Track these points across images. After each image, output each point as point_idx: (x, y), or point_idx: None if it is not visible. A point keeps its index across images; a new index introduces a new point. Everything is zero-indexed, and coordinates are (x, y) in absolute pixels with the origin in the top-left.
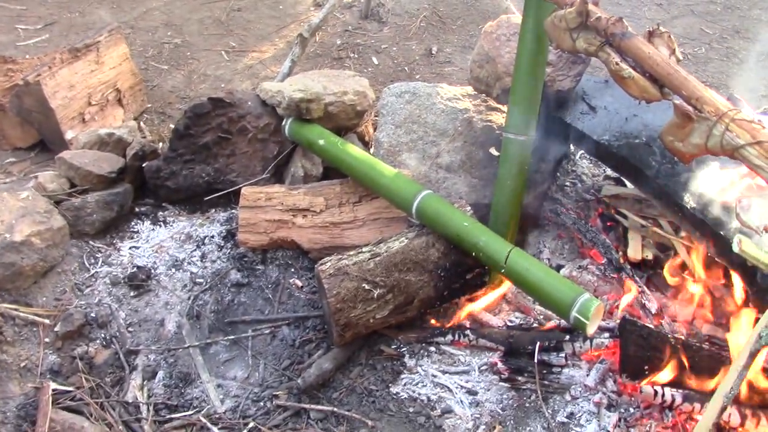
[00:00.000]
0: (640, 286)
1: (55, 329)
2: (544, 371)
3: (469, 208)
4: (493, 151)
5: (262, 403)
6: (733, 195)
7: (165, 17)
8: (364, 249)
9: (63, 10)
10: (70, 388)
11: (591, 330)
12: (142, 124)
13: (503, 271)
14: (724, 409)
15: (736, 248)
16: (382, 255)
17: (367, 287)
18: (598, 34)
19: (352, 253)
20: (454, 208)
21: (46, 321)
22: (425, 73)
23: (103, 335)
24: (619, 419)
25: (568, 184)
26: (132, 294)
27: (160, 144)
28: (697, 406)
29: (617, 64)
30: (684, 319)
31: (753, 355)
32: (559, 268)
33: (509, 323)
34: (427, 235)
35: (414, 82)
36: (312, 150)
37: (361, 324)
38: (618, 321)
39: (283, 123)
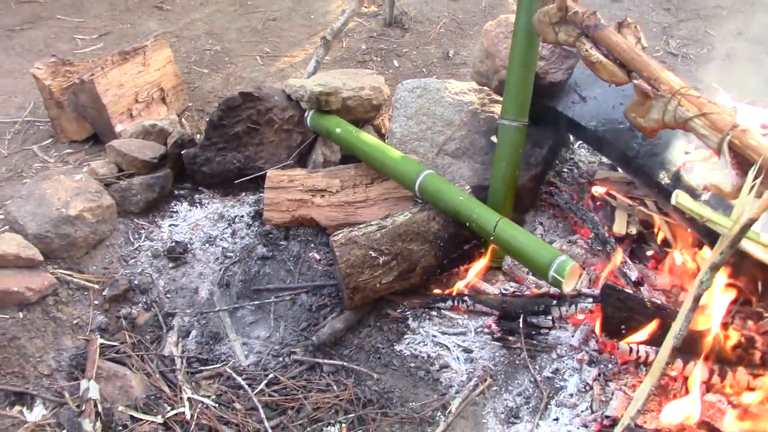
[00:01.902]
0: (622, 257)
1: (104, 293)
2: (533, 332)
3: (468, 187)
4: (494, 139)
5: (281, 358)
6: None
7: (207, 27)
8: (372, 222)
9: (116, 22)
10: (115, 343)
11: (567, 288)
12: (183, 119)
13: (492, 238)
14: (675, 348)
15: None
16: (388, 227)
17: (373, 254)
18: (576, 26)
19: (362, 225)
20: (451, 185)
21: (96, 286)
22: (441, 74)
23: (144, 300)
24: (599, 374)
25: (565, 170)
26: (170, 265)
27: (198, 135)
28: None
29: (587, 50)
30: (662, 286)
31: (696, 299)
32: (551, 243)
33: (504, 291)
34: (429, 210)
35: (425, 78)
36: (330, 138)
37: (368, 288)
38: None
39: (306, 114)
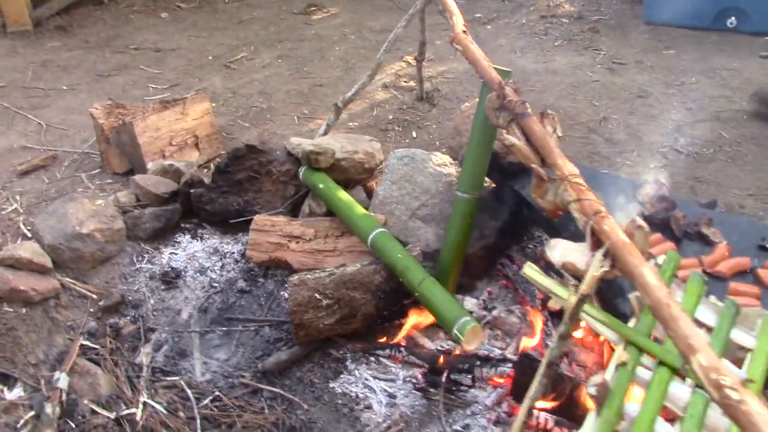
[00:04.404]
0: (548, 329)
1: (99, 303)
2: (454, 388)
3: (418, 249)
4: None
5: (230, 380)
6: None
7: (261, 87)
8: (327, 269)
9: (187, 76)
10: (97, 346)
11: (468, 346)
12: (212, 164)
13: (417, 294)
14: (530, 408)
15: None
16: (337, 274)
17: (318, 297)
18: (510, 112)
19: (317, 271)
20: (395, 243)
21: (94, 296)
22: None
23: (133, 314)
24: None
25: (530, 246)
26: (162, 287)
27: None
28: (566, 430)
29: (503, 134)
30: (583, 362)
31: (549, 365)
32: (492, 309)
33: (440, 347)
34: (377, 264)
35: (415, 149)
36: (315, 192)
37: (312, 327)
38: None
39: (299, 169)
